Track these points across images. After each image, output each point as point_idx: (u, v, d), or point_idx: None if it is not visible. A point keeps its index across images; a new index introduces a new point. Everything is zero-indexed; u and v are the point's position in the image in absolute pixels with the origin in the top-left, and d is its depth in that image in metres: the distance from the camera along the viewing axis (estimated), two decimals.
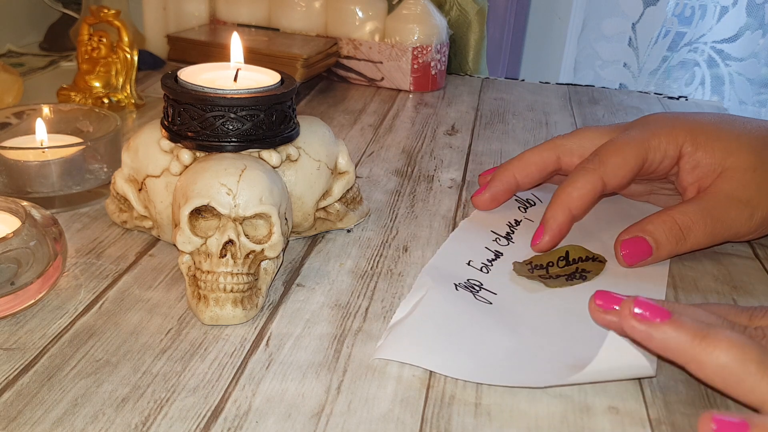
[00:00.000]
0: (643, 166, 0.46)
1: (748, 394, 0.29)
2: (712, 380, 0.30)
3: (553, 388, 0.34)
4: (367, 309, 0.40)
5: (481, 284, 0.42)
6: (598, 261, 0.44)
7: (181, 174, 0.40)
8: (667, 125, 0.47)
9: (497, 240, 0.47)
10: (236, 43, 0.46)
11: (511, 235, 0.48)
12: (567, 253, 0.45)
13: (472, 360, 0.35)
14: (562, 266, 0.44)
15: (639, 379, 0.35)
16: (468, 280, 0.42)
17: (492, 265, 0.44)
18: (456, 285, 0.41)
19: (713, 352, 0.29)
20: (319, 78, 0.83)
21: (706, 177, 0.47)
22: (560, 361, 0.35)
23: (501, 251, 0.46)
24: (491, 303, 0.40)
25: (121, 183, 0.44)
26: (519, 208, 0.52)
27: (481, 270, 0.43)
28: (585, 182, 0.45)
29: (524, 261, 0.44)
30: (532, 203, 0.53)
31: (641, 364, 0.32)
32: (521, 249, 0.46)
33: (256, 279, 0.38)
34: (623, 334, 0.33)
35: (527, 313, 0.39)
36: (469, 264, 0.44)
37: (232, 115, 0.40)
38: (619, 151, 0.46)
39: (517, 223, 0.50)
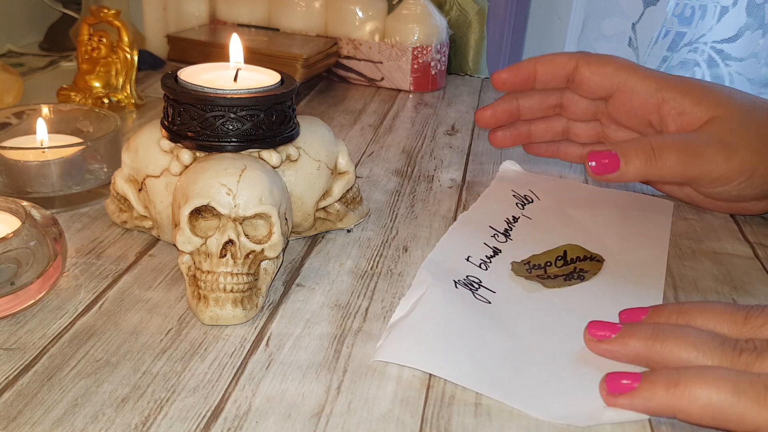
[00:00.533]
0: (619, 83, 0.51)
1: (741, 425, 0.29)
2: (704, 422, 0.30)
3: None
4: (367, 309, 0.40)
5: (480, 282, 0.42)
6: (596, 260, 0.44)
7: (181, 174, 0.40)
8: (663, 74, 0.51)
9: (495, 236, 0.47)
10: (236, 44, 0.46)
11: (510, 232, 0.48)
12: (565, 252, 0.45)
13: (471, 364, 0.34)
14: (560, 266, 0.44)
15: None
16: (467, 276, 0.42)
17: (491, 262, 0.44)
18: (455, 282, 0.41)
19: (690, 396, 0.29)
20: (319, 78, 0.83)
21: (691, 124, 0.48)
22: (557, 375, 0.35)
23: (499, 248, 0.46)
24: (490, 302, 0.40)
25: (121, 183, 0.44)
26: (517, 204, 0.52)
27: (479, 266, 0.43)
28: (562, 54, 0.53)
29: (522, 261, 0.44)
30: (530, 200, 0.53)
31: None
32: (519, 247, 0.46)
33: (256, 279, 0.38)
34: (618, 358, 0.34)
35: (526, 314, 0.39)
36: (467, 260, 0.44)
37: (232, 115, 0.40)
38: (606, 55, 0.52)
39: (515, 219, 0.50)
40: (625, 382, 0.31)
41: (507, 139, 0.58)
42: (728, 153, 0.45)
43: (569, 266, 0.44)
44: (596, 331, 0.35)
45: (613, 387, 0.32)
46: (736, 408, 0.29)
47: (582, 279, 0.43)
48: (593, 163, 0.45)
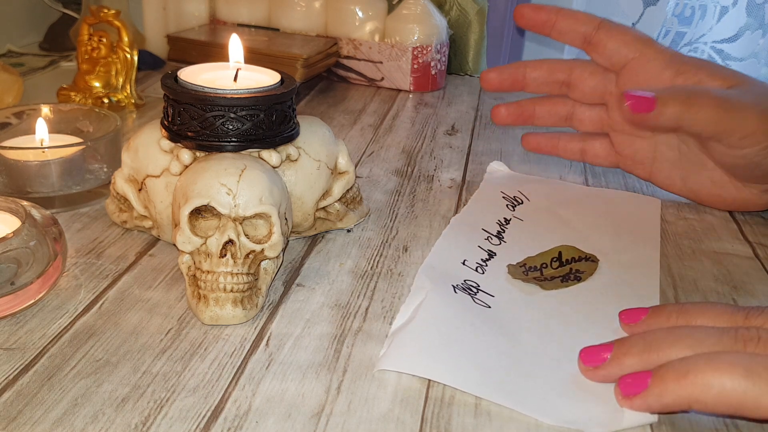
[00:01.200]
0: (635, 51, 0.51)
1: (757, 411, 0.28)
2: (720, 411, 0.29)
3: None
4: (367, 309, 0.40)
5: (478, 286, 0.41)
6: (591, 261, 0.44)
7: (181, 174, 0.40)
8: (678, 52, 0.51)
9: (489, 239, 0.47)
10: (235, 44, 0.46)
11: (503, 234, 0.48)
12: (560, 253, 0.45)
13: (475, 370, 0.34)
14: (555, 267, 0.44)
15: None
16: (465, 281, 0.42)
17: (486, 265, 0.44)
18: (454, 287, 0.41)
19: (702, 385, 0.28)
20: (319, 78, 0.83)
21: None
22: (561, 379, 0.35)
23: (494, 251, 0.46)
24: (490, 307, 0.40)
25: (121, 183, 0.44)
26: (507, 206, 0.52)
27: (476, 270, 0.43)
28: (586, 13, 0.53)
29: (518, 263, 0.44)
30: (520, 201, 0.53)
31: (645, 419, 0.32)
32: (513, 249, 0.46)
33: (256, 279, 0.38)
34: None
35: (526, 317, 0.39)
36: (464, 264, 0.44)
37: (232, 115, 0.40)
38: (626, 26, 0.52)
39: (507, 221, 0.50)
40: (637, 381, 0.31)
41: (510, 117, 0.58)
42: (761, 112, 0.45)
43: (565, 267, 0.44)
44: (589, 358, 0.34)
45: (627, 389, 0.31)
46: (750, 393, 0.28)
47: (579, 280, 0.43)
48: (630, 102, 0.44)
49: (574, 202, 0.53)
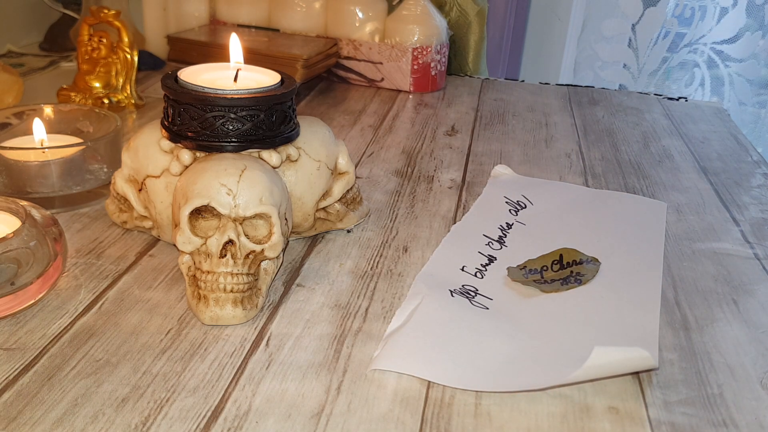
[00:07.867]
0: None
1: None
2: None
3: (553, 389, 0.34)
4: (367, 309, 0.40)
5: (477, 290, 0.41)
6: (593, 263, 0.44)
7: (181, 174, 0.40)
8: None
9: (490, 244, 0.47)
10: (235, 45, 0.46)
11: (504, 239, 0.48)
12: (561, 256, 0.45)
13: (470, 368, 0.34)
14: (556, 270, 0.44)
15: (639, 373, 0.35)
16: (463, 285, 0.42)
17: (486, 270, 0.44)
18: (451, 291, 0.41)
19: None
20: (319, 78, 0.83)
21: None
22: (559, 363, 0.35)
23: (494, 255, 0.46)
24: (487, 308, 0.40)
25: (121, 183, 0.44)
26: (510, 211, 0.52)
27: (475, 275, 0.43)
28: None
29: (518, 266, 0.44)
30: (523, 205, 0.53)
31: (641, 355, 0.32)
32: (515, 253, 0.46)
33: (256, 279, 0.38)
34: None
35: (524, 318, 0.39)
36: (463, 269, 0.44)
37: (232, 116, 0.40)
38: None
39: (509, 226, 0.50)
40: None
41: None
42: None
43: (566, 270, 0.44)
44: None
45: None
46: None
47: (579, 282, 0.42)
48: None
49: (578, 205, 0.53)
